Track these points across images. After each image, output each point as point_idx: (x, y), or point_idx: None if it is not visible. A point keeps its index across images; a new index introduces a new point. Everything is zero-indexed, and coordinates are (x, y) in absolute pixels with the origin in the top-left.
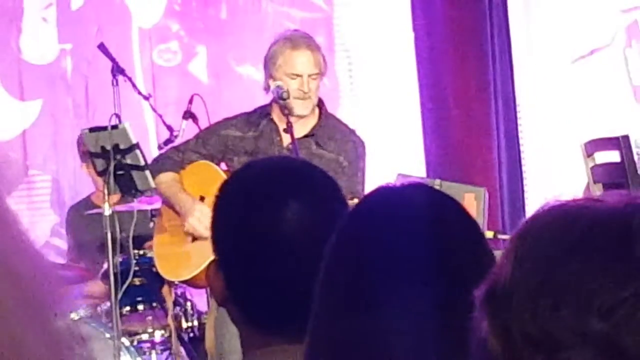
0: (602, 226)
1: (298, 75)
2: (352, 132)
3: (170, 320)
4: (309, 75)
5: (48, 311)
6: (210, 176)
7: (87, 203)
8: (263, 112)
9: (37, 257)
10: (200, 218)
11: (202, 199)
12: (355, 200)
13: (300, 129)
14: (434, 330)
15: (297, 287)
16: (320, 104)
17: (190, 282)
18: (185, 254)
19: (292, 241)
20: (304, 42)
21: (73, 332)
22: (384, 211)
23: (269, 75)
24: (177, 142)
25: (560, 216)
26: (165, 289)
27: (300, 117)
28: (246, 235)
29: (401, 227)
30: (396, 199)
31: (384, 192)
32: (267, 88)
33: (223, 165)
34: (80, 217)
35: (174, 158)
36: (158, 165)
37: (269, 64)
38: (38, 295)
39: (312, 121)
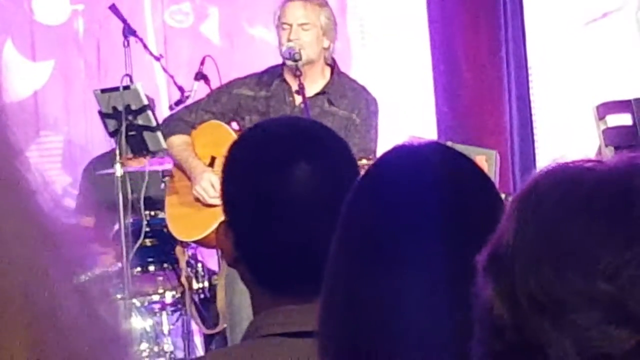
0: (604, 188)
1: (289, 25)
2: (365, 89)
3: (183, 281)
4: (299, 25)
5: (75, 267)
6: (221, 136)
7: (110, 157)
8: (275, 72)
9: (61, 213)
10: (206, 188)
11: (213, 159)
12: (366, 161)
13: (312, 88)
14: (450, 290)
15: (306, 248)
16: (333, 63)
17: (202, 242)
18: (197, 214)
19: (300, 202)
20: None
21: (99, 287)
22: (400, 169)
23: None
24: (188, 103)
25: (562, 178)
26: (178, 249)
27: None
28: (255, 196)
29: (418, 185)
30: (412, 157)
31: (399, 151)
32: (280, 49)
33: (234, 125)
34: (95, 173)
35: (185, 119)
36: (170, 128)
37: (274, 21)
38: (66, 252)
39: (324, 80)
